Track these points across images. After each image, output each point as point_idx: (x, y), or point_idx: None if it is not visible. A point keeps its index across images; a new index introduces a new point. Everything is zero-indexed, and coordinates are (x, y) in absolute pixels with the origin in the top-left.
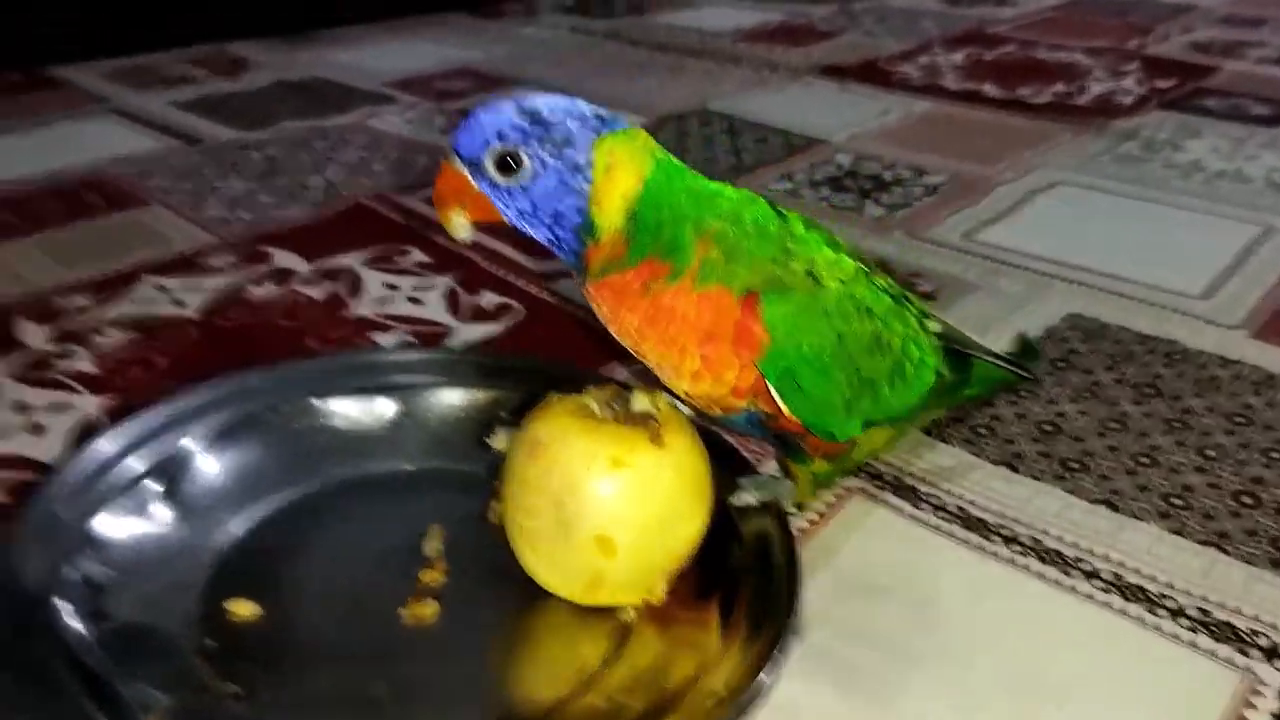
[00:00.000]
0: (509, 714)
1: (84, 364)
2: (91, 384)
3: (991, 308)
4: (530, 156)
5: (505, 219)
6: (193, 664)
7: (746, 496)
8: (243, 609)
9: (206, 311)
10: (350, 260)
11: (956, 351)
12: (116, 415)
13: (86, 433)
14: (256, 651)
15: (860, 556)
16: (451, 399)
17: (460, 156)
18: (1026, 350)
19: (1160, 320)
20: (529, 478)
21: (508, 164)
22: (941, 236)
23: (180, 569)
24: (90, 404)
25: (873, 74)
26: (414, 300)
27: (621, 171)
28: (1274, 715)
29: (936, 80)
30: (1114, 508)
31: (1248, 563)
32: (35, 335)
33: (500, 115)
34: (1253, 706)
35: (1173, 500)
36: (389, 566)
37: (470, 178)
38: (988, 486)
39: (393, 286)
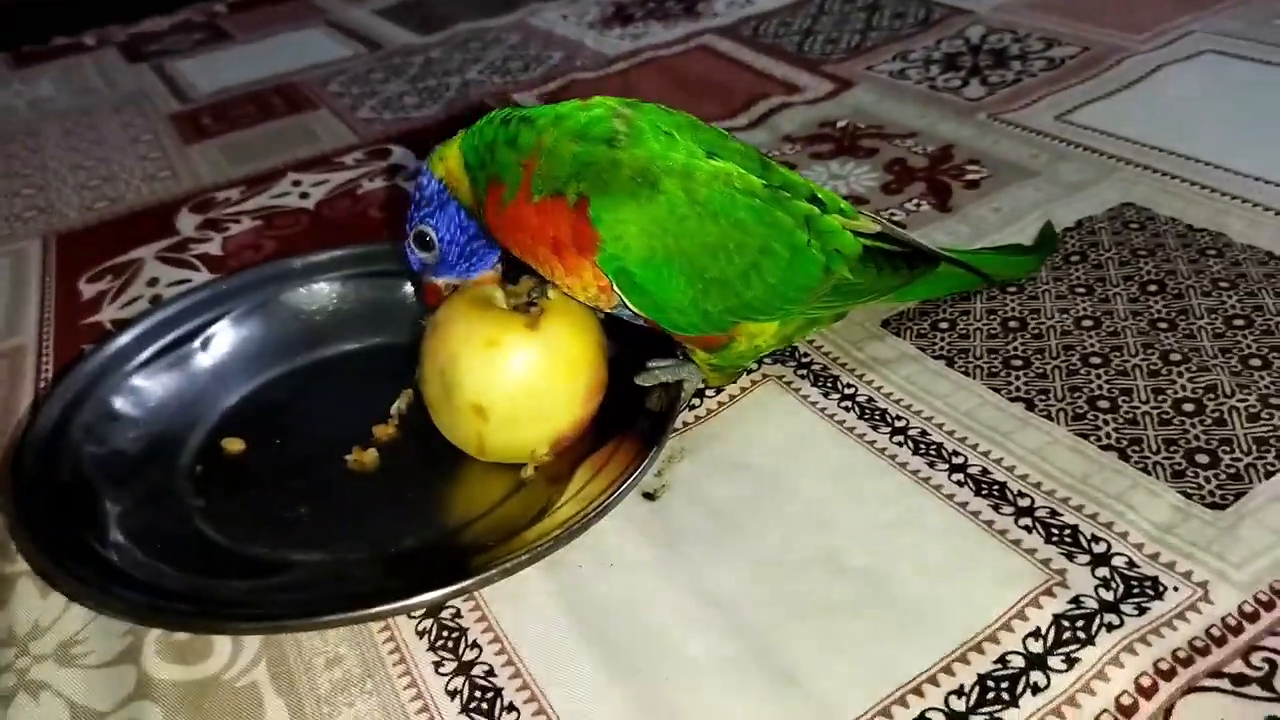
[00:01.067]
0: (392, 541)
1: (213, 247)
2: (210, 264)
3: (1039, 195)
4: (422, 223)
5: (483, 273)
6: (176, 482)
7: (648, 377)
8: (233, 445)
9: (319, 204)
10: None
11: (905, 251)
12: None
13: None
14: (230, 478)
15: (747, 438)
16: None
17: (420, 270)
18: (1046, 241)
19: (1219, 212)
20: (425, 351)
21: (426, 243)
22: (1028, 119)
23: (198, 413)
24: (202, 280)
25: None
26: None
27: (451, 157)
28: (1055, 615)
29: None
30: (1031, 406)
31: (1144, 471)
32: (187, 223)
33: (406, 228)
34: (1038, 606)
35: (1099, 403)
36: (355, 421)
37: (437, 279)
38: (913, 380)
39: None
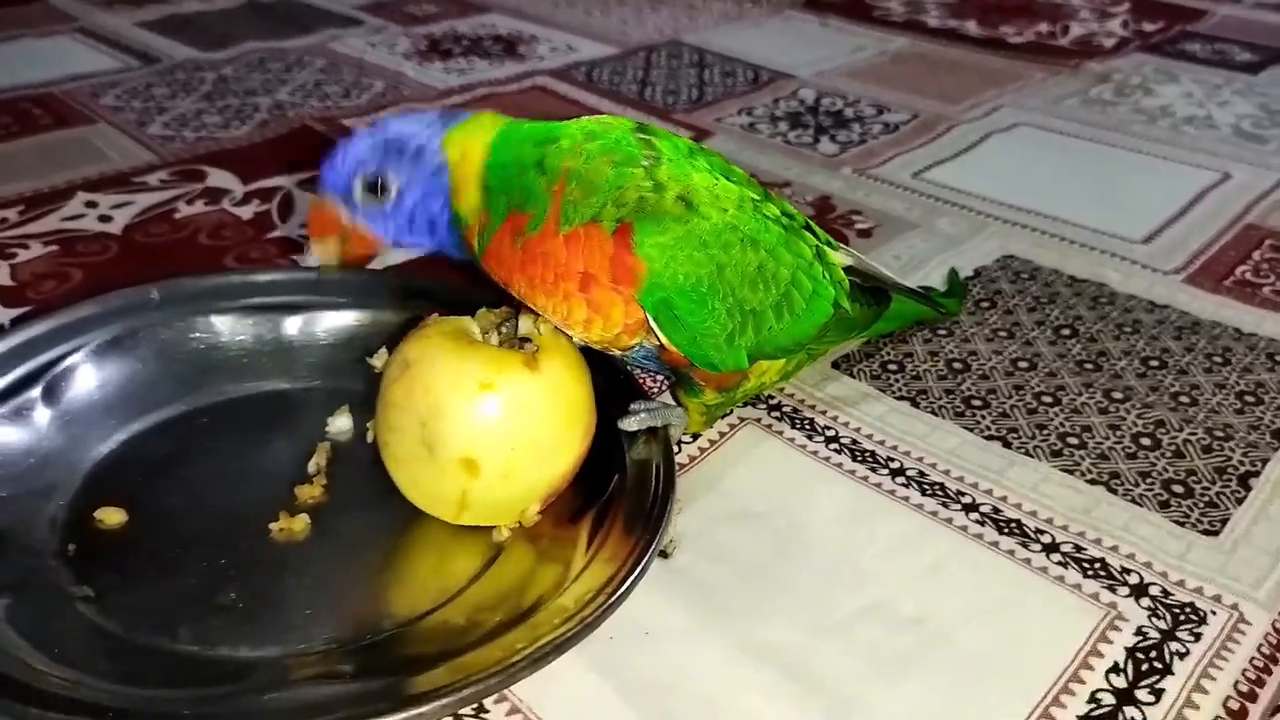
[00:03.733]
0: (362, 626)
1: (0, 277)
2: (5, 296)
3: (927, 247)
4: (393, 176)
5: (384, 242)
6: (48, 566)
7: (634, 422)
8: (111, 516)
9: (128, 227)
10: (285, 181)
11: (869, 286)
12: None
13: None
14: (118, 557)
15: (743, 484)
16: (353, 319)
17: (330, 193)
18: (954, 288)
19: (1094, 264)
20: (395, 398)
21: (375, 189)
22: (890, 175)
23: (53, 476)
24: (1, 316)
25: (856, 9)
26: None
27: (471, 154)
28: (1127, 649)
29: (918, 16)
30: (1007, 444)
31: (1135, 503)
32: None
33: (358, 146)
34: (1109, 641)
35: (1069, 440)
36: (268, 482)
37: (345, 212)
38: (886, 420)
39: None
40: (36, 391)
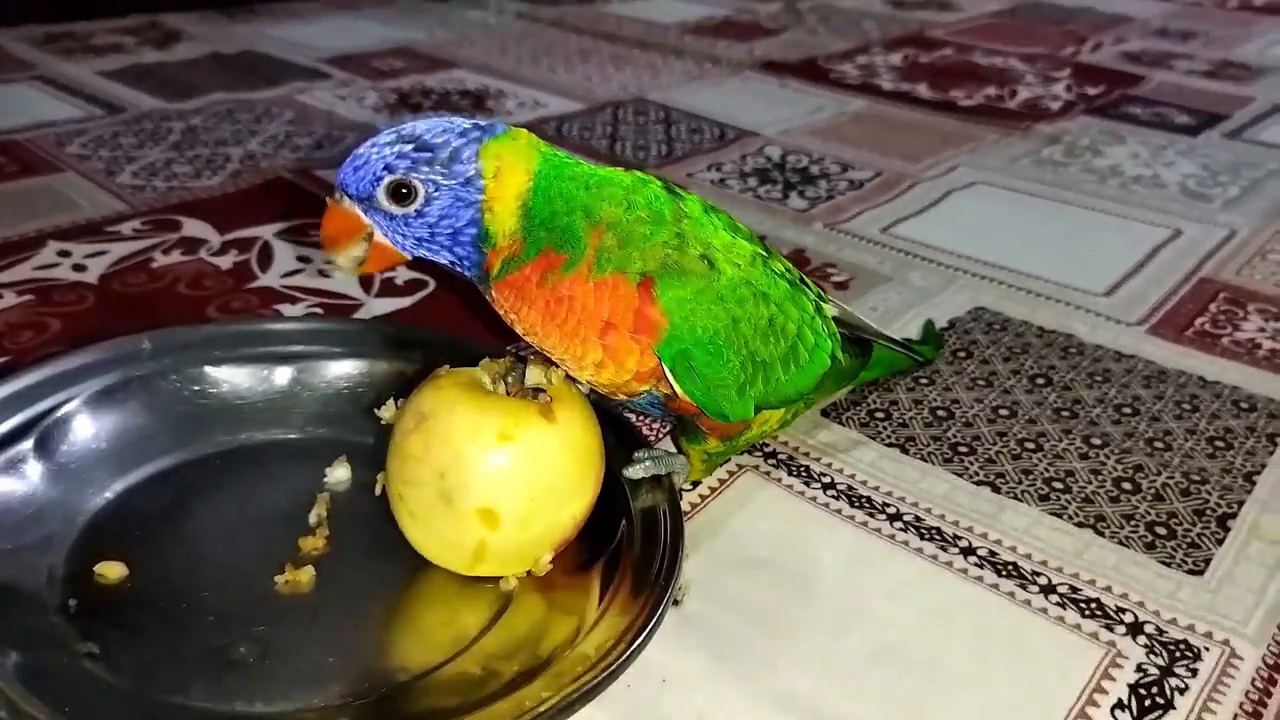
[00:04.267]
0: (377, 679)
1: None
2: None
3: (901, 299)
4: (422, 181)
5: (402, 251)
6: (50, 622)
7: (639, 470)
8: (111, 571)
9: (104, 277)
10: (263, 232)
11: (854, 336)
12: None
13: None
14: (121, 613)
15: (746, 530)
16: (347, 369)
17: (350, 195)
18: (930, 337)
19: (1061, 315)
20: (411, 450)
21: (401, 193)
22: (859, 229)
23: (48, 529)
24: None
25: (811, 72)
26: (325, 273)
27: (510, 173)
28: (1130, 685)
29: (872, 80)
30: (996, 490)
31: (1122, 545)
32: None
33: (385, 148)
34: (1111, 678)
35: (1054, 484)
36: (268, 534)
37: (362, 215)
38: (878, 467)
39: (305, 259)
40: (29, 443)
